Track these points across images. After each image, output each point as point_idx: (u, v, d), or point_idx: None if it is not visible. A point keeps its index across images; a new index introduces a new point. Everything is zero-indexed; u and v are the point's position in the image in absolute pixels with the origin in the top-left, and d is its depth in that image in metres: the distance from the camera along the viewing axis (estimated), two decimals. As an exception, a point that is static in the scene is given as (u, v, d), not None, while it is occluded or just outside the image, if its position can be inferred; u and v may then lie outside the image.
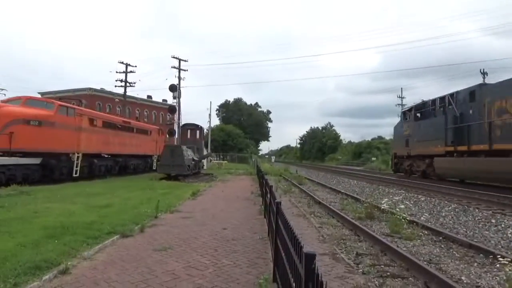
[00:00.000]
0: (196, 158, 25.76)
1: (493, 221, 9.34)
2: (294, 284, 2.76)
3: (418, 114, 23.73)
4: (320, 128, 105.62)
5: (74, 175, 18.74)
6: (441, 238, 7.64)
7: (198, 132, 30.67)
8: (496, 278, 5.13)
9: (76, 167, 18.92)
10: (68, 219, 7.91)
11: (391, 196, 13.79)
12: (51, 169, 17.46)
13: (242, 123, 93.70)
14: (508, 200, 12.34)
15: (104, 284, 4.44)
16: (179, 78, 34.90)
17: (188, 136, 30.16)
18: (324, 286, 1.81)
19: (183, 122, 33.21)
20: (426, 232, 8.17)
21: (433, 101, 21.79)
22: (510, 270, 4.56)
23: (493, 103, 15.75)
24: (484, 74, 20.28)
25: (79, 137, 19.15)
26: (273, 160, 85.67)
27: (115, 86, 40.10)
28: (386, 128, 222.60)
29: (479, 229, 8.58)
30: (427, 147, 21.16)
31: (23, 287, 4.13)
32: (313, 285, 2.07)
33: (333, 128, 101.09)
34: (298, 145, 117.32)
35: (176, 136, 32.17)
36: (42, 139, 16.50)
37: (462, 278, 5.17)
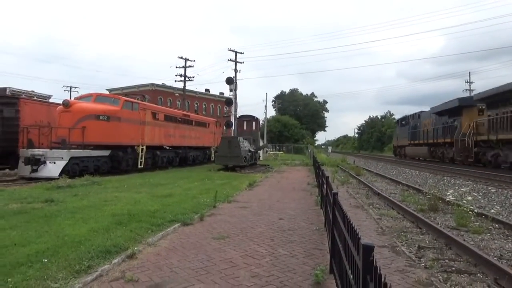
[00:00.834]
0: (252, 149, 26.06)
1: None
2: (351, 276, 2.72)
3: (403, 122, 41.60)
4: (379, 117, 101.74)
5: (139, 166, 19.87)
6: (514, 232, 7.05)
7: (254, 123, 30.95)
8: None
9: (141, 158, 20.02)
10: (134, 207, 8.44)
11: (457, 188, 12.98)
12: (119, 161, 18.66)
13: (298, 114, 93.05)
14: None
15: (166, 270, 4.69)
16: (235, 70, 35.44)
17: (245, 127, 30.55)
18: (383, 279, 1.76)
19: (239, 114, 33.79)
20: (496, 225, 7.60)
21: (407, 117, 40.27)
22: None
23: (424, 121, 33.37)
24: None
25: (143, 131, 20.21)
26: (329, 150, 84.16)
27: (175, 80, 41.83)
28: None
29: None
30: (402, 141, 40.58)
31: (96, 269, 4.49)
32: (371, 277, 2.02)
33: (393, 116, 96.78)
34: (356, 135, 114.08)
35: (233, 127, 32.79)
36: (110, 133, 17.66)
37: (539, 276, 4.75)
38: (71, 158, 15.68)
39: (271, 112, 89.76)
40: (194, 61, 42.15)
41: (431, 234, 6.89)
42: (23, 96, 19.78)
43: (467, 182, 15.57)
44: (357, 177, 18.26)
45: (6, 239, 5.57)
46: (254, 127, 30.65)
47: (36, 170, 15.02)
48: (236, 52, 36.01)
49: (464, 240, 6.34)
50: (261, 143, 33.48)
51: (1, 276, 4.10)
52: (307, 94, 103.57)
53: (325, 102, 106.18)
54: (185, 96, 43.34)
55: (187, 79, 41.20)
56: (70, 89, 61.13)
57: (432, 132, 30.45)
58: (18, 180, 15.19)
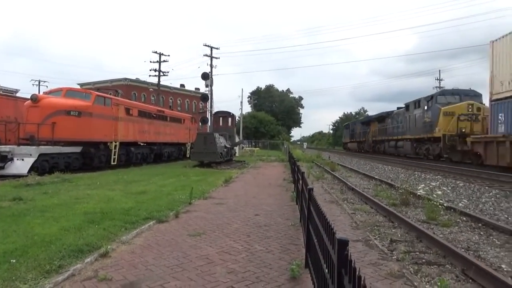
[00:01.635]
0: (228, 145, 26.00)
1: (539, 208, 8.88)
2: (326, 270, 2.76)
3: (347, 127, 57.90)
4: (354, 114, 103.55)
5: (112, 163, 19.46)
6: (480, 225, 7.36)
7: (230, 119, 30.86)
8: (540, 267, 4.90)
9: (114, 155, 19.61)
10: (107, 205, 8.26)
11: (427, 182, 13.40)
12: (91, 158, 18.21)
13: (274, 110, 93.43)
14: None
15: (141, 268, 4.62)
16: (211, 66, 35.15)
17: (220, 123, 30.43)
18: (357, 272, 1.79)
19: (215, 110, 33.57)
20: (464, 218, 7.90)
21: (349, 124, 57.12)
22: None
23: (356, 127, 49.40)
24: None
25: (116, 126, 19.78)
26: (305, 146, 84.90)
27: (149, 75, 41.10)
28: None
29: (522, 216, 8.19)
30: (346, 139, 56.45)
31: (67, 269, 4.37)
32: (345, 271, 2.06)
33: (366, 113, 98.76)
34: (331, 131, 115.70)
35: (209, 124, 32.56)
36: (82, 129, 17.19)
37: (503, 266, 4.98)
38: (40, 155, 15.17)
39: (247, 108, 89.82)
40: (169, 55, 41.57)
41: (403, 228, 7.09)
42: (-12, 90, 18.96)
43: (436, 177, 16.10)
44: (332, 172, 18.54)
45: (-29, 240, 5.34)
46: (230, 123, 30.57)
47: (2, 168, 14.46)
48: (211, 47, 35.71)
49: (434, 233, 6.55)
50: (237, 139, 33.39)
51: (-34, 278, 3.93)
52: (283, 90, 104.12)
53: (300, 98, 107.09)
54: (159, 92, 42.67)
55: (161, 74, 40.57)
56: (39, 83, 59.14)
57: (359, 134, 48.25)
58: (-17, 178, 14.57)
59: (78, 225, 6.34)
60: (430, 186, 10.58)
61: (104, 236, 5.76)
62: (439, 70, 66.96)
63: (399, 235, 6.65)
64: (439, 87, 50.49)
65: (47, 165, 15.56)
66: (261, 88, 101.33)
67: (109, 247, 5.21)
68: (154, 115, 24.94)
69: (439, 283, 4.20)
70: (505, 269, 4.86)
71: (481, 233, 6.83)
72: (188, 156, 29.02)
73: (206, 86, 33.20)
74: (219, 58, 36.27)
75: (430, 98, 26.29)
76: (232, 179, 15.20)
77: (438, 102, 24.95)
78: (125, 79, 57.71)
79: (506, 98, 16.90)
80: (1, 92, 20.19)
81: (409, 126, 29.47)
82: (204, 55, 35.49)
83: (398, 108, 35.66)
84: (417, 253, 5.57)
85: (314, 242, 3.73)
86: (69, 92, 18.40)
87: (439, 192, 10.03)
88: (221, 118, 30.69)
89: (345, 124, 65.21)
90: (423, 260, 5.20)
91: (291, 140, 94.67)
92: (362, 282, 1.68)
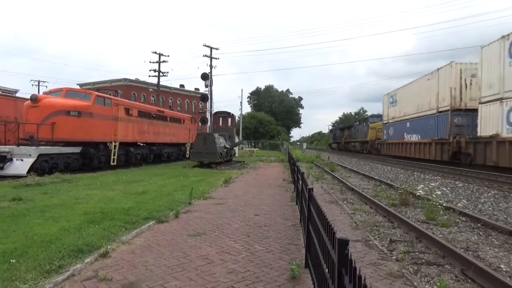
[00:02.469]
0: (228, 146, 26.00)
1: (538, 208, 8.90)
2: (326, 270, 2.76)
3: (331, 131, 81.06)
4: (353, 114, 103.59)
5: (111, 163, 19.45)
6: (479, 225, 7.38)
7: (229, 119, 30.89)
8: (539, 267, 4.91)
9: (114, 155, 19.59)
10: (107, 205, 8.26)
11: (427, 183, 13.40)
12: (90, 158, 18.19)
13: (274, 110, 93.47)
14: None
15: (141, 268, 4.62)
16: (211, 66, 35.20)
17: (220, 124, 30.46)
18: (358, 272, 1.80)
19: (215, 110, 33.61)
20: (463, 218, 7.92)
21: (333, 129, 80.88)
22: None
23: (337, 132, 67.84)
24: None
25: (116, 127, 19.76)
26: (304, 147, 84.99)
27: (149, 76, 41.11)
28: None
29: (522, 217, 8.21)
30: (331, 141, 75.18)
31: (67, 269, 4.37)
32: (346, 271, 2.06)
33: (366, 113, 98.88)
34: (330, 132, 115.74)
35: (208, 124, 32.59)
36: (81, 129, 17.17)
37: (501, 266, 4.99)
38: (40, 155, 15.16)
39: (247, 109, 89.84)
40: (169, 56, 41.45)
41: (402, 228, 7.10)
42: (-12, 90, 18.95)
43: (436, 177, 16.12)
44: (332, 173, 18.56)
45: (-29, 240, 5.34)
46: (229, 124, 30.60)
47: (2, 168, 14.44)
48: (211, 48, 35.74)
49: (433, 233, 6.57)
50: (236, 140, 33.42)
51: (-34, 278, 3.93)
52: (282, 91, 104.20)
53: (300, 98, 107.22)
54: (159, 92, 42.66)
55: (161, 74, 40.56)
56: (38, 83, 59.07)
57: (338, 137, 63.66)
58: (-18, 178, 14.56)
59: (78, 225, 6.34)
60: (430, 187, 10.59)
61: (104, 236, 5.76)
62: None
63: (399, 235, 6.66)
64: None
65: (46, 165, 15.54)
66: (260, 88, 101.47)
67: (109, 247, 5.22)
68: (154, 116, 24.93)
69: (438, 283, 4.21)
70: (504, 269, 4.87)
71: (480, 233, 6.84)
72: (187, 156, 29.00)
73: (206, 86, 33.25)
74: (218, 58, 36.37)
75: (366, 119, 47.56)
76: (231, 179, 15.20)
77: (369, 121, 44.25)
78: (125, 79, 57.68)
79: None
80: (0, 92, 20.15)
81: (358, 134, 48.81)
82: (203, 56, 35.58)
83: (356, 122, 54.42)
84: (417, 253, 5.58)
85: (314, 242, 3.73)
86: (69, 92, 18.38)
87: (439, 192, 10.05)
88: (220, 118, 30.72)
89: (330, 129, 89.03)
90: (423, 260, 5.21)
91: (291, 141, 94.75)
92: (362, 282, 1.69)
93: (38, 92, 40.91)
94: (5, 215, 7.10)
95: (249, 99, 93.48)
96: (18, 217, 6.96)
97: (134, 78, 58.33)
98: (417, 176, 16.95)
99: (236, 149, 33.88)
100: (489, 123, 17.35)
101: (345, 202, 10.23)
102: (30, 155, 14.83)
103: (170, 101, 63.33)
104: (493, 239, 6.38)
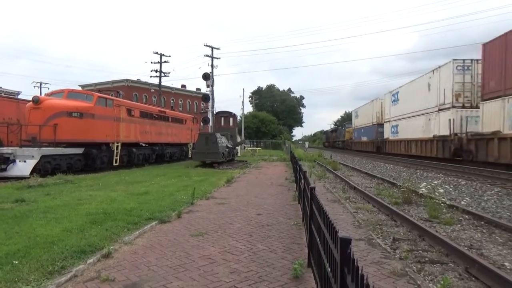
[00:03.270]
0: (230, 145, 25.99)
1: (542, 205, 8.85)
2: (329, 269, 2.75)
3: (324, 133, 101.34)
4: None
5: (114, 164, 19.48)
6: (482, 222, 7.34)
7: (231, 119, 30.86)
8: (544, 265, 4.87)
9: (116, 156, 19.63)
10: (110, 206, 8.27)
11: (429, 181, 13.36)
12: (93, 159, 18.23)
13: (275, 109, 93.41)
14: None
15: (144, 268, 4.62)
16: (212, 66, 35.17)
17: (222, 123, 30.42)
18: (360, 271, 1.78)
19: (216, 110, 33.58)
20: (466, 216, 7.88)
21: (326, 131, 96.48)
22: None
23: (328, 133, 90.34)
24: None
25: (118, 127, 19.80)
26: (306, 145, 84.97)
27: (151, 76, 41.14)
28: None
29: (525, 214, 8.16)
30: (324, 140, 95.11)
31: (70, 270, 4.37)
32: (348, 270, 2.05)
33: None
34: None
35: (210, 124, 32.58)
36: (84, 130, 17.21)
37: (506, 264, 4.96)
38: (43, 157, 15.19)
39: (248, 108, 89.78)
40: (170, 56, 41.62)
41: (405, 226, 7.07)
42: (-10, 92, 19.01)
43: (438, 175, 16.07)
44: (334, 171, 18.52)
45: (-26, 241, 5.35)
46: (231, 123, 30.57)
47: (5, 169, 14.49)
48: (212, 48, 35.71)
49: (437, 231, 6.54)
50: (238, 139, 33.41)
51: (-31, 280, 3.93)
52: (284, 90, 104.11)
53: (301, 97, 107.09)
54: (161, 92, 42.68)
55: (162, 74, 40.57)
56: (40, 85, 59.02)
57: (329, 138, 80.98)
58: (-14, 180, 14.60)
59: (81, 226, 6.35)
60: (432, 185, 10.56)
61: (106, 237, 5.77)
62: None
63: (402, 234, 6.64)
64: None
65: (49, 166, 15.58)
66: (262, 87, 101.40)
67: (111, 247, 5.21)
68: (156, 116, 24.96)
69: (442, 282, 4.18)
70: (508, 267, 4.84)
71: (484, 231, 6.81)
72: (190, 156, 29.01)
73: (207, 86, 33.22)
74: (220, 58, 36.41)
75: (344, 125, 63.73)
76: (234, 179, 15.20)
77: (346, 127, 59.20)
78: (127, 80, 57.74)
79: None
80: (3, 94, 20.22)
81: (340, 136, 65.46)
82: (205, 56, 35.56)
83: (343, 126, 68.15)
84: (420, 251, 5.55)
85: (317, 241, 3.72)
86: (71, 94, 18.42)
87: (441, 190, 10.00)
88: (222, 118, 30.69)
89: (324, 132, 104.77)
90: (426, 259, 5.18)
91: (293, 140, 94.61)
92: (365, 281, 1.67)
93: (40, 94, 41.04)
94: (7, 216, 7.11)
95: (250, 98, 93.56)
96: (20, 218, 6.98)
97: (135, 79, 58.37)
98: (419, 174, 16.90)
99: (238, 148, 33.88)
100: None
101: (347, 201, 10.20)
102: (32, 156, 14.87)
103: (171, 101, 63.38)
104: (496, 237, 6.35)
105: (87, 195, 9.90)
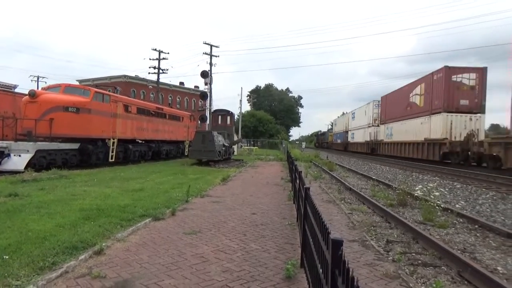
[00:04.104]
0: (226, 144, 25.95)
1: (536, 210, 8.88)
2: (321, 270, 2.73)
3: (315, 135, 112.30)
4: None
5: (109, 160, 19.39)
6: (476, 226, 7.36)
7: (229, 118, 30.79)
8: (536, 270, 4.88)
9: (112, 152, 19.54)
10: (104, 202, 8.22)
11: (425, 183, 13.37)
12: (88, 154, 18.13)
13: (273, 109, 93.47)
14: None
15: (136, 265, 4.59)
16: (211, 64, 35.07)
17: (219, 122, 30.35)
18: (350, 273, 1.77)
19: (214, 108, 33.49)
20: (461, 220, 7.90)
21: (318, 133, 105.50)
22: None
23: (318, 136, 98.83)
24: None
25: (114, 123, 19.71)
26: (303, 146, 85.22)
27: (149, 73, 40.98)
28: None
29: (519, 219, 8.19)
30: (316, 142, 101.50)
31: (61, 266, 4.34)
32: (339, 271, 2.04)
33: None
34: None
35: (207, 122, 32.50)
36: (80, 125, 17.11)
37: (498, 268, 4.97)
38: (38, 151, 15.10)
39: (246, 107, 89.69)
40: (168, 53, 41.46)
41: (400, 229, 7.08)
42: (-14, 85, 18.87)
43: (434, 178, 16.11)
44: (330, 172, 18.53)
45: (-35, 235, 5.30)
46: (228, 122, 30.51)
47: (-1, 163, 14.39)
48: (211, 46, 35.61)
49: (430, 234, 6.55)
50: (235, 138, 33.37)
51: (-42, 274, 3.89)
52: (282, 89, 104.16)
53: (300, 97, 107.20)
54: (158, 89, 42.56)
55: (161, 71, 40.45)
56: (38, 79, 58.83)
57: (319, 139, 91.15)
58: (-20, 173, 14.50)
59: (74, 222, 6.31)
60: (428, 187, 10.58)
61: (99, 233, 5.73)
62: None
63: (396, 236, 6.64)
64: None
65: (44, 161, 15.49)
66: (260, 87, 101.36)
67: (104, 244, 5.18)
68: (153, 113, 24.87)
69: (434, 285, 4.18)
70: (501, 271, 4.85)
71: (478, 234, 6.83)
72: (186, 154, 28.94)
73: (206, 84, 33.10)
74: (218, 56, 36.33)
75: (329, 130, 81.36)
76: (229, 177, 15.18)
77: (330, 132, 76.29)
78: (124, 76, 57.54)
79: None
80: (-1, 88, 20.08)
81: (326, 138, 78.43)
82: (203, 53, 35.42)
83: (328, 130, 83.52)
84: (413, 254, 5.55)
85: (310, 242, 3.70)
86: (67, 88, 18.30)
87: (437, 193, 9.99)
88: (220, 117, 30.62)
89: (315, 134, 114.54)
90: (419, 261, 5.18)
91: (290, 140, 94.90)
92: (355, 283, 1.66)
93: (37, 88, 40.83)
94: (0, 210, 7.06)
95: (248, 97, 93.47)
96: (13, 212, 6.92)
97: (133, 75, 58.20)
98: (415, 177, 16.94)
99: (235, 147, 33.84)
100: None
101: (342, 202, 10.21)
102: (28, 150, 14.77)
103: (169, 98, 63.23)
104: (490, 241, 6.36)
105: (81, 191, 9.85)
